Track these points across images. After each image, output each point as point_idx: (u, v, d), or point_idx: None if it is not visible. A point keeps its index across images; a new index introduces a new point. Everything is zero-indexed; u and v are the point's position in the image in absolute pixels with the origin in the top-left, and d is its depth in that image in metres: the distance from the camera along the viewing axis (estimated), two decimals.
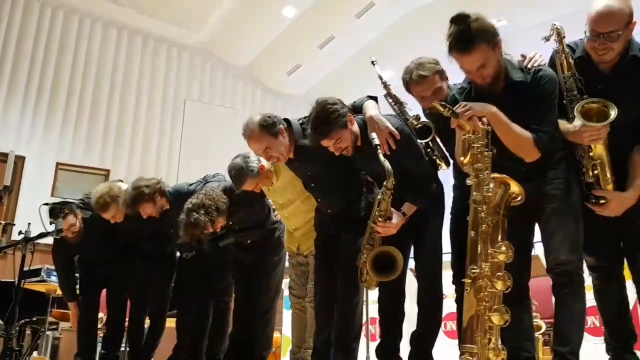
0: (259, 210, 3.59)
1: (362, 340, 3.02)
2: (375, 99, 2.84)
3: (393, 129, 2.61)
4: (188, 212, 3.15)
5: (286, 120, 2.89)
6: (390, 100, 2.97)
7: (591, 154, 2.27)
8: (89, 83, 8.50)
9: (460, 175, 2.72)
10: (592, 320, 3.41)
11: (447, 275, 2.69)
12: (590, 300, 2.46)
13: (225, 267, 3.75)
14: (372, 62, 3.11)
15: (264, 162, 3.15)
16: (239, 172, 3.11)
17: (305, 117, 2.83)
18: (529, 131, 2.25)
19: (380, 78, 2.97)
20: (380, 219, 2.60)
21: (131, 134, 8.75)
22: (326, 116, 2.56)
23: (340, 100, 2.64)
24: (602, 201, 2.28)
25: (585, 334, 3.54)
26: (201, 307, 3.82)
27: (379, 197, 2.59)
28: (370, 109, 2.72)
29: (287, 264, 3.69)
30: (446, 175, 2.87)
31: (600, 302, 2.46)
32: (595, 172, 2.28)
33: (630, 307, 2.46)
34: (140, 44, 9.04)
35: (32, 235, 3.74)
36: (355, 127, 2.66)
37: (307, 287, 3.29)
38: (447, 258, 2.72)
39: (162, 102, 9.09)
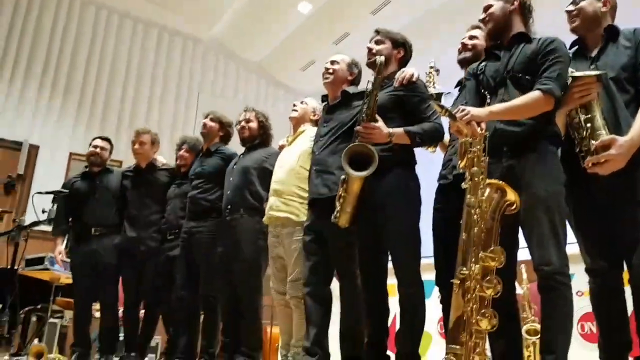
0: (264, 182, 3.59)
1: None
2: None
3: (416, 75, 2.73)
4: None
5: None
6: None
7: (582, 115, 2.24)
8: (103, 74, 8.52)
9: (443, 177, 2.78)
10: (590, 327, 3.30)
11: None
12: (588, 305, 2.38)
13: (213, 263, 3.68)
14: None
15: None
16: None
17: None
18: (534, 89, 2.22)
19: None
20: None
21: (144, 125, 8.76)
22: (388, 30, 2.93)
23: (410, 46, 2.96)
24: (601, 158, 2.11)
25: (582, 340, 3.46)
26: (191, 301, 3.77)
27: (367, 94, 2.59)
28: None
29: None
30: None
31: (597, 308, 2.35)
32: (589, 131, 2.20)
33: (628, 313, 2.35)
34: (155, 37, 9.06)
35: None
36: (394, 64, 2.86)
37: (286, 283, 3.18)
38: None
39: (176, 95, 9.10)
